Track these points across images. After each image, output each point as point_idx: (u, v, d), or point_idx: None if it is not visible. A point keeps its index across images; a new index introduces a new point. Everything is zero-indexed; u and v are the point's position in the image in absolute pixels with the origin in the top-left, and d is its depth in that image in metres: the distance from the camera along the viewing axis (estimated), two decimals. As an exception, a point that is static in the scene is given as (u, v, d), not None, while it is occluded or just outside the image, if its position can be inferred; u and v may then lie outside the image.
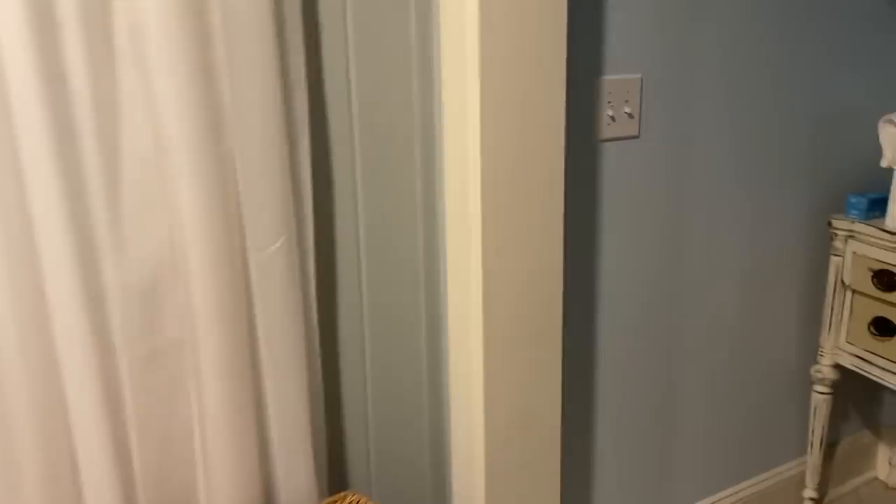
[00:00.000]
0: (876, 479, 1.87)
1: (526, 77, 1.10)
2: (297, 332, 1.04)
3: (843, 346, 1.59)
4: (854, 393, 1.75)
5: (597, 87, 1.27)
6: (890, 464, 1.83)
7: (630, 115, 1.32)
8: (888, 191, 1.47)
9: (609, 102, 1.29)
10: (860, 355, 1.56)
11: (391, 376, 1.23)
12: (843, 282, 1.55)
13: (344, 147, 1.11)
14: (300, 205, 1.03)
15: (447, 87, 1.13)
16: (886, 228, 1.46)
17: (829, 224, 1.55)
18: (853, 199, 1.53)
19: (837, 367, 1.61)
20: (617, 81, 1.29)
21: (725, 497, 1.67)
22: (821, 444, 1.67)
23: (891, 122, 1.42)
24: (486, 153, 1.09)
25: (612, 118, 1.30)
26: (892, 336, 1.48)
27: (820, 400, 1.65)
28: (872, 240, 1.48)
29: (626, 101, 1.31)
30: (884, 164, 1.45)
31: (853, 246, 1.52)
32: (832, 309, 1.59)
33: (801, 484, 1.73)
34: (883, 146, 1.44)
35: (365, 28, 1.08)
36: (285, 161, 0.99)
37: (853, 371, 1.57)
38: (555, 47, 1.12)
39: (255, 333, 1.02)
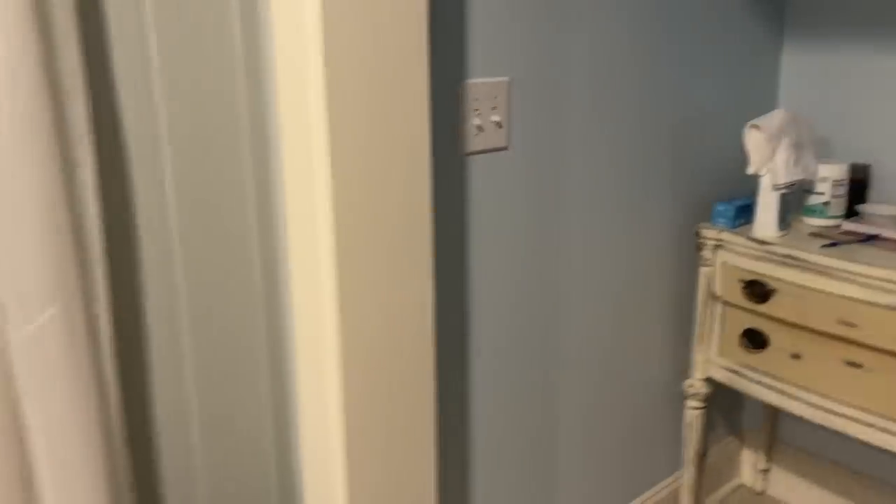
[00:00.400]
0: (742, 485, 1.86)
1: (382, 84, 0.89)
2: (89, 430, 0.75)
3: (714, 359, 1.53)
4: (719, 400, 1.72)
5: (461, 92, 1.09)
6: (755, 469, 1.82)
7: (498, 125, 1.15)
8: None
9: (476, 110, 1.11)
10: (733, 368, 1.50)
11: (228, 472, 0.96)
12: (713, 293, 1.49)
13: (146, 167, 0.84)
14: (84, 254, 0.75)
15: (284, 95, 0.90)
16: (754, 237, 1.41)
17: (697, 234, 1.48)
18: (720, 207, 1.47)
19: (710, 380, 1.55)
20: (483, 85, 1.12)
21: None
22: (695, 459, 1.62)
23: (756, 127, 1.37)
24: (337, 175, 0.87)
25: (480, 128, 1.12)
26: (764, 348, 1.43)
27: (694, 415, 1.59)
28: (741, 249, 1.42)
29: (494, 109, 1.14)
30: (750, 170, 1.40)
31: (722, 256, 1.46)
32: (703, 321, 1.52)
33: (676, 502, 1.66)
34: (749, 152, 1.39)
35: (170, 8, 0.82)
36: (57, 195, 0.71)
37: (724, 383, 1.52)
38: (415, 46, 0.92)
39: (27, 442, 0.72)
